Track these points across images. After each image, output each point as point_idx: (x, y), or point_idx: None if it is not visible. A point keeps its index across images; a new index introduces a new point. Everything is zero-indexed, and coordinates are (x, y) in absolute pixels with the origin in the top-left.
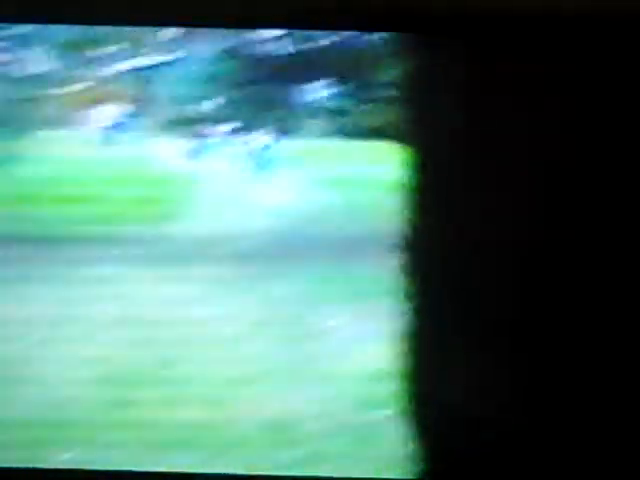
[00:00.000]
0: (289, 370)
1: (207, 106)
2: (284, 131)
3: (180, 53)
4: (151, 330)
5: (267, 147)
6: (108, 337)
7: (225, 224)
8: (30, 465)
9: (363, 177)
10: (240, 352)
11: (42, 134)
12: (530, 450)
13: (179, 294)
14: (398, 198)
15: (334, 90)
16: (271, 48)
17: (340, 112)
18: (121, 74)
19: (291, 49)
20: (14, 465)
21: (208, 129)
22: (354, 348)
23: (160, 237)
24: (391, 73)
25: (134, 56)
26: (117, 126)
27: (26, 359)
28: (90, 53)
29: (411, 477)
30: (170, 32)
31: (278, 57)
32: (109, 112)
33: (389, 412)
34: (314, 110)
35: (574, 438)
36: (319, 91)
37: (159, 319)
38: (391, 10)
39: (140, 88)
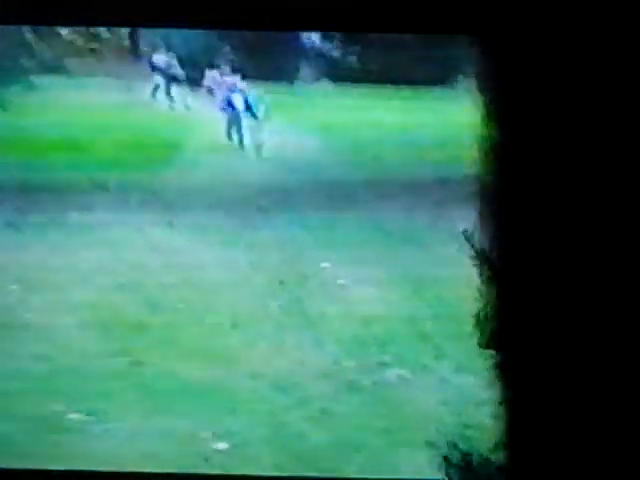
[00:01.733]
0: (278, 316)
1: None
2: (276, 77)
3: None
4: (142, 276)
5: (257, 94)
6: (100, 284)
7: (215, 171)
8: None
9: (356, 122)
10: (231, 298)
11: (37, 81)
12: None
13: (171, 240)
14: (393, 143)
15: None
16: None
17: (334, 58)
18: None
19: None
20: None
21: (202, 74)
22: (345, 292)
23: (151, 184)
24: None
25: None
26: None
27: (18, 306)
28: None
29: None
30: None
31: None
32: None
33: (381, 359)
34: (309, 56)
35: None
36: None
37: (151, 265)
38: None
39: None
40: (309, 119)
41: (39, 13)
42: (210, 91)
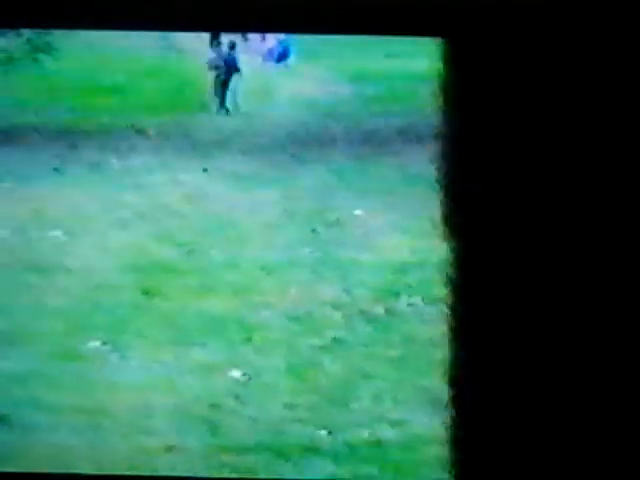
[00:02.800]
0: (312, 260)
1: None
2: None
3: None
4: (178, 221)
5: (285, 40)
6: (135, 228)
7: (249, 118)
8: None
9: (386, 70)
10: (264, 243)
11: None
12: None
13: (205, 186)
14: (423, 91)
15: None
16: None
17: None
18: None
19: None
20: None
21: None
22: (378, 238)
23: (187, 129)
24: None
25: None
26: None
27: (56, 249)
28: None
29: None
30: None
31: None
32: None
33: (412, 301)
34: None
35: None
36: None
37: (186, 210)
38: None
39: None
40: (340, 67)
41: (41, 15)
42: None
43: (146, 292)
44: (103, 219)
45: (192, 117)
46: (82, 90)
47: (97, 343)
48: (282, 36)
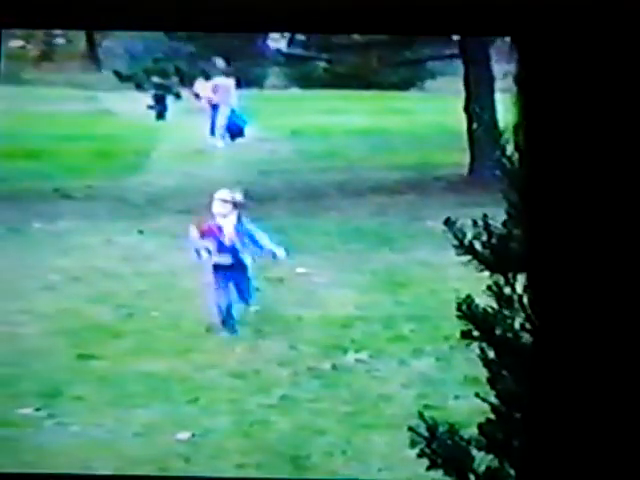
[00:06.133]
0: (257, 318)
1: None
2: (246, 82)
3: None
4: (111, 283)
5: (235, 113)
6: (67, 291)
7: (185, 178)
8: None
9: (325, 126)
10: (206, 302)
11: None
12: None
13: (142, 247)
14: (361, 146)
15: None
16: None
17: (302, 62)
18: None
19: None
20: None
21: (171, 84)
22: (323, 294)
23: (117, 191)
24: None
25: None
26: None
27: None
28: None
29: None
30: None
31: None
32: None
33: (359, 357)
34: (276, 60)
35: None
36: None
37: (122, 272)
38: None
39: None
40: (279, 124)
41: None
42: (197, 96)
43: (82, 356)
44: (28, 284)
45: (122, 179)
46: (5, 154)
47: (29, 410)
48: (234, 108)
